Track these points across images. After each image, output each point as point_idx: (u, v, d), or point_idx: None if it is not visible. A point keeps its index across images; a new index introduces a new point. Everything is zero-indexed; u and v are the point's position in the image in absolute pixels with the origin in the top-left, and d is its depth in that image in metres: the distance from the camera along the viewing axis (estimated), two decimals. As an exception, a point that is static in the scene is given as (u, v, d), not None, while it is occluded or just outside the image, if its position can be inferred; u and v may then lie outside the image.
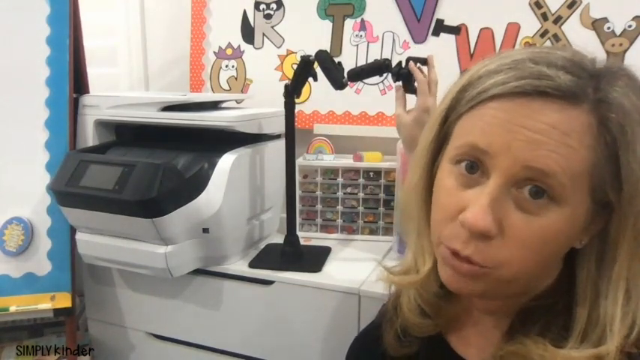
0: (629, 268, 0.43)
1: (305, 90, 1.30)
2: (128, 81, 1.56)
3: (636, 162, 0.41)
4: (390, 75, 0.97)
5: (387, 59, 0.96)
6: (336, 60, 0.98)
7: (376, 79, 1.26)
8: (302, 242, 1.10)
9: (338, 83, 0.95)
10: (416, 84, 0.94)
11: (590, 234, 0.45)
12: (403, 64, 0.95)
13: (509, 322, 0.50)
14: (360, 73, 0.97)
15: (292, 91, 1.01)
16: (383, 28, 1.25)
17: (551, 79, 0.41)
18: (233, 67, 1.42)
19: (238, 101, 1.40)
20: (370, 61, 1.26)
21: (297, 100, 1.03)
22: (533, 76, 0.42)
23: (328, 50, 1.29)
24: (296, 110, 1.04)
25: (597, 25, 1.08)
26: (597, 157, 0.41)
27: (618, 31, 1.07)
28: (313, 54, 0.98)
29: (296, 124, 1.04)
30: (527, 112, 0.42)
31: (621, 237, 0.43)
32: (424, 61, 0.93)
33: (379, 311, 0.68)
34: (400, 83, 0.97)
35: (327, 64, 0.96)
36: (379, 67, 0.96)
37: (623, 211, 0.42)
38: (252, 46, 1.39)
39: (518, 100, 0.42)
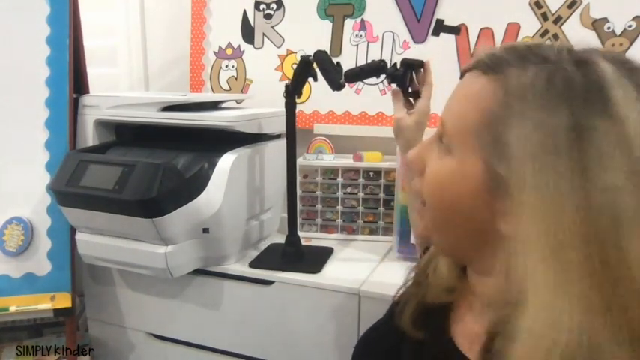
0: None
1: (305, 90, 1.29)
2: (128, 81, 1.56)
3: (512, 136, 0.42)
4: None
5: (382, 60, 0.95)
6: (336, 60, 0.98)
7: (375, 79, 1.26)
8: (302, 242, 1.10)
9: (335, 84, 0.95)
10: (412, 85, 0.92)
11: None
12: (398, 66, 0.94)
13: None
14: (358, 74, 0.97)
15: (293, 91, 1.01)
16: (383, 28, 1.25)
17: (480, 56, 0.48)
18: (233, 67, 1.42)
19: (238, 101, 1.40)
20: (370, 61, 1.27)
21: (297, 100, 1.03)
22: (475, 57, 0.50)
23: (328, 50, 1.29)
24: (296, 110, 1.04)
25: (597, 25, 1.08)
26: (484, 121, 0.45)
27: (618, 31, 1.07)
28: (313, 54, 0.98)
29: (296, 124, 1.04)
30: (460, 83, 0.50)
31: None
32: (421, 64, 0.92)
33: (391, 305, 0.69)
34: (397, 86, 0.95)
35: (325, 64, 0.96)
36: (376, 69, 0.95)
37: (506, 188, 0.43)
38: (252, 46, 1.39)
39: (464, 76, 0.51)
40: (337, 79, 0.95)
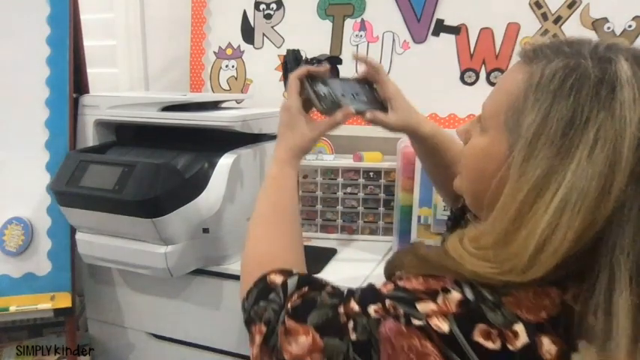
0: None
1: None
2: (128, 81, 1.56)
3: (525, 121, 0.46)
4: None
5: (296, 50, 0.93)
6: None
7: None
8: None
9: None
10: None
11: None
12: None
13: None
14: (284, 70, 0.93)
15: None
16: (383, 28, 1.25)
17: (525, 47, 0.52)
18: (233, 67, 1.42)
19: (238, 101, 1.40)
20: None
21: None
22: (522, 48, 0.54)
23: (328, 50, 1.29)
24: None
25: (597, 25, 1.08)
26: (510, 105, 0.49)
27: (618, 31, 1.07)
28: (303, 53, 0.97)
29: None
30: (506, 72, 0.55)
31: None
32: (335, 58, 0.88)
33: None
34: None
35: (289, 64, 0.94)
36: (294, 59, 0.93)
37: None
38: (252, 46, 1.39)
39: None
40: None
